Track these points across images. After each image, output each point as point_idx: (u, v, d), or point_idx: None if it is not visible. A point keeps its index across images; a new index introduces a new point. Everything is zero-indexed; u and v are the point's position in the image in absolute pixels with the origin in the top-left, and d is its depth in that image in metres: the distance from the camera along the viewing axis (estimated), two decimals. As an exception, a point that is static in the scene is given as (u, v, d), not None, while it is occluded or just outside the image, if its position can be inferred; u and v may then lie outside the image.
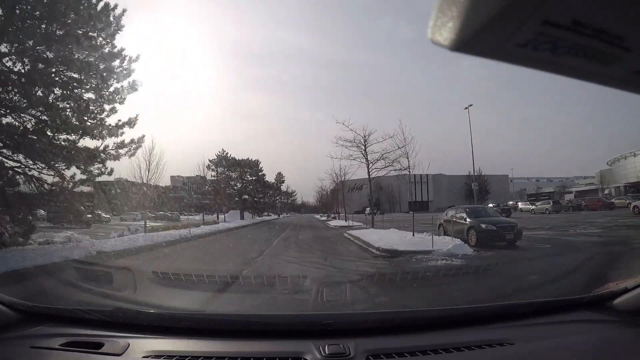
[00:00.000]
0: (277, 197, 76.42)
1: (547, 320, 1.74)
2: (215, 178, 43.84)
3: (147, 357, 1.44)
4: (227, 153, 48.91)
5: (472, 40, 0.45)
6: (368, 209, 48.31)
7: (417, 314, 2.05)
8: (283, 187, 75.99)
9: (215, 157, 47.48)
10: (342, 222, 30.32)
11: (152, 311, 1.97)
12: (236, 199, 46.55)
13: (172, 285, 4.81)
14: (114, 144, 11.00)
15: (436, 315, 1.97)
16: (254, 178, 52.17)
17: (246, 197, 49.07)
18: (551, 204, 30.15)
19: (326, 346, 1.43)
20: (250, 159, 52.61)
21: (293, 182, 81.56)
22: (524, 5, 0.41)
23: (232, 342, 1.56)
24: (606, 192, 44.97)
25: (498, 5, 0.41)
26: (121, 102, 10.95)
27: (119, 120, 11.03)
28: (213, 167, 45.23)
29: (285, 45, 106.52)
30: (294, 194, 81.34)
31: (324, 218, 45.88)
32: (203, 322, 1.78)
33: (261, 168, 54.23)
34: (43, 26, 8.88)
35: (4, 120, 9.01)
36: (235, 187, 48.89)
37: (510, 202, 36.95)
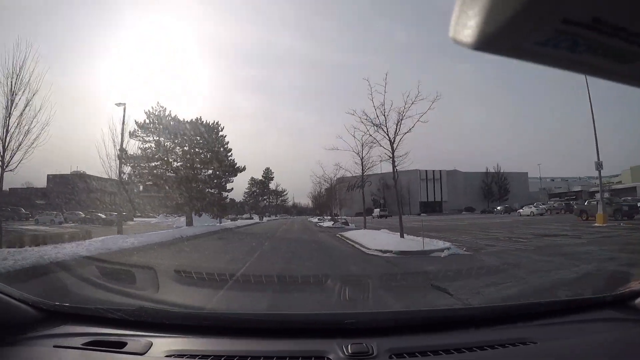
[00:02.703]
0: (265, 197, 68.34)
1: (569, 319, 1.72)
2: (141, 152, 23.49)
3: (169, 356, 1.44)
4: (165, 109, 24.63)
5: (493, 39, 0.45)
6: (377, 210, 40.66)
7: (439, 314, 2.08)
8: (272, 185, 67.36)
9: (146, 117, 24.00)
10: (376, 235, 13.86)
11: (175, 310, 1.99)
12: (189, 187, 24.47)
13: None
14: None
15: (457, 314, 2.01)
16: (210, 154, 26.56)
17: (197, 185, 25.79)
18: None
19: (349, 345, 1.42)
20: (203, 120, 27.23)
21: (283, 184, 75.55)
22: (544, 4, 0.41)
23: (254, 340, 1.56)
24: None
25: (518, 4, 0.40)
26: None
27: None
28: (141, 136, 23.79)
29: (278, 47, 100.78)
30: (285, 193, 73.57)
31: (328, 224, 29.09)
32: (225, 321, 1.78)
33: (223, 137, 28.68)
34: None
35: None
36: (178, 167, 24.97)
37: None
